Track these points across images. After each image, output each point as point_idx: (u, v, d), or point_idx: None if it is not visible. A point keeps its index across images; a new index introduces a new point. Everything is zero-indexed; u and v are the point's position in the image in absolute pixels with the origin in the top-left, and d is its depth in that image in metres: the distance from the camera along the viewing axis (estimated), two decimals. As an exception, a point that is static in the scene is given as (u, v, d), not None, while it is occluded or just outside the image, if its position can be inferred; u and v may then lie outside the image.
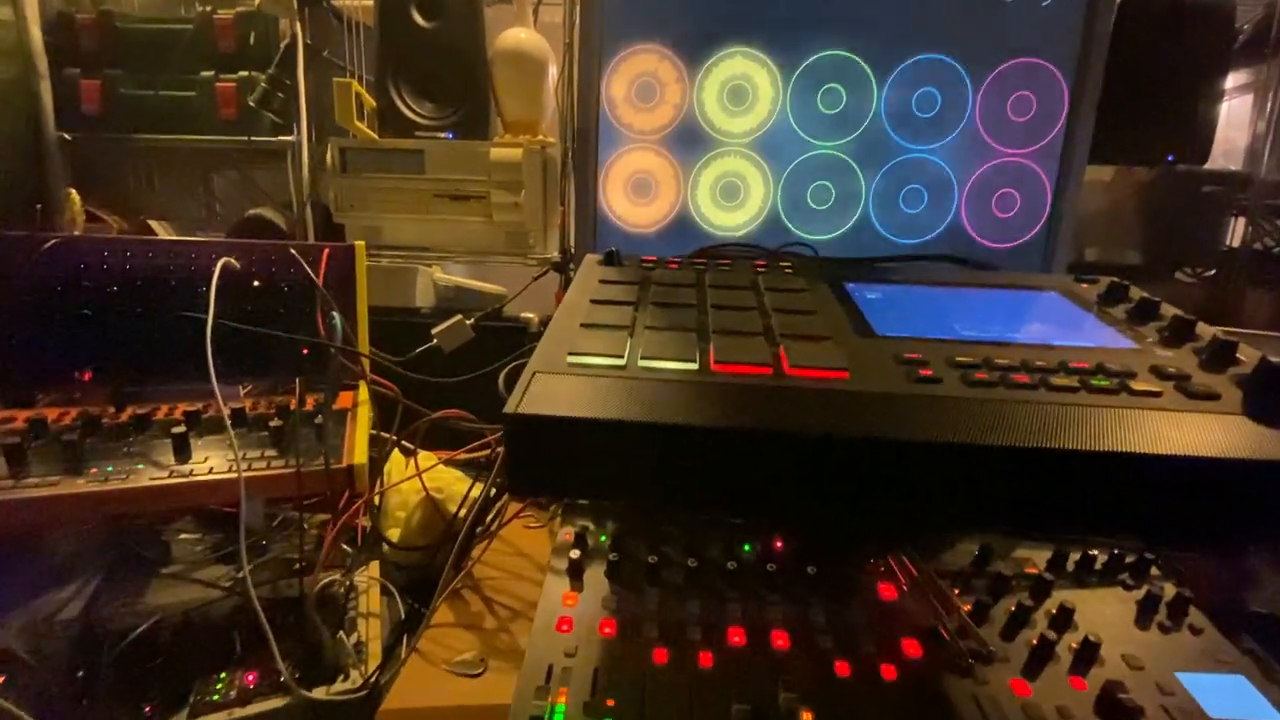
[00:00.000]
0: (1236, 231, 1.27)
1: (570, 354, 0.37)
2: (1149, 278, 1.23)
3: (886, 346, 0.40)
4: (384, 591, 0.68)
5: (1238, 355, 0.40)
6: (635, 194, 0.68)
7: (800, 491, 0.33)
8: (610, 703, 0.39)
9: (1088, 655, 0.43)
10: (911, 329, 0.43)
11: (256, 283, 0.79)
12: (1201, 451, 0.31)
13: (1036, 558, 0.53)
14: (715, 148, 0.67)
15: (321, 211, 1.29)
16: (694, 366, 0.37)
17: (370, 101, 1.19)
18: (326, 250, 0.79)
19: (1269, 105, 1.17)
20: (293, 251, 0.78)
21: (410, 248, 1.29)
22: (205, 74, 1.33)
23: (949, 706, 0.40)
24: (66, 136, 1.37)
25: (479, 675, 0.49)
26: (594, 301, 0.45)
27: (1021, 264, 0.66)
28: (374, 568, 0.72)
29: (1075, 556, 0.52)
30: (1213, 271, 1.25)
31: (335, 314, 0.73)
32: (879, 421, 0.33)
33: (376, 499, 0.81)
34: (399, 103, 1.23)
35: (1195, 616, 0.47)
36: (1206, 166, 1.20)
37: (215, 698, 0.55)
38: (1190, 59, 1.15)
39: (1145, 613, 0.47)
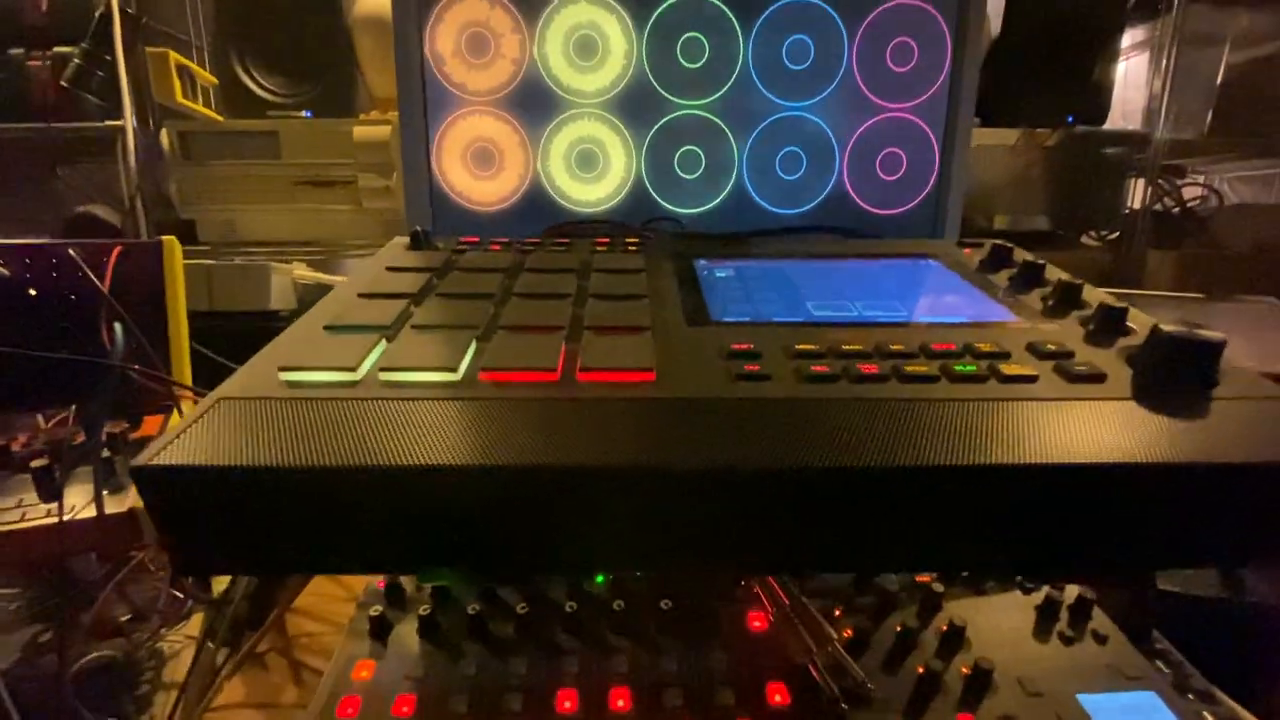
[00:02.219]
0: (1136, 193, 1.26)
1: (284, 369, 0.28)
2: (1057, 242, 1.21)
3: (717, 336, 0.32)
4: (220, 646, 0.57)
5: (1128, 324, 0.33)
6: (477, 165, 0.59)
7: (580, 545, 0.25)
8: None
9: (979, 684, 0.37)
10: (754, 312, 0.35)
11: (32, 291, 0.65)
12: (1077, 458, 0.23)
13: (929, 563, 0.46)
14: (566, 109, 0.58)
15: (166, 208, 1.13)
16: (454, 377, 0.28)
17: (208, 77, 1.04)
18: (117, 249, 0.66)
19: (1164, 62, 1.16)
20: (71, 253, 0.64)
21: (273, 244, 1.15)
22: (14, 51, 1.14)
23: (815, 770, 0.33)
24: None
25: (255, 775, 0.40)
26: (362, 295, 0.35)
27: (912, 232, 0.60)
28: (195, 623, 0.61)
29: (971, 558, 0.46)
30: (1116, 234, 1.24)
31: (118, 325, 0.60)
32: (676, 442, 0.24)
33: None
34: (245, 78, 1.09)
35: (1099, 620, 0.42)
36: (1106, 127, 1.19)
37: (-63, 824, 0.43)
38: (1087, 16, 1.12)
39: (1045, 621, 0.42)
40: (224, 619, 0.49)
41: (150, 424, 0.66)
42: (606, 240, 0.48)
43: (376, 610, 0.40)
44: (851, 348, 0.30)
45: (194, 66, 0.97)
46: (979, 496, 0.24)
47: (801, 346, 0.30)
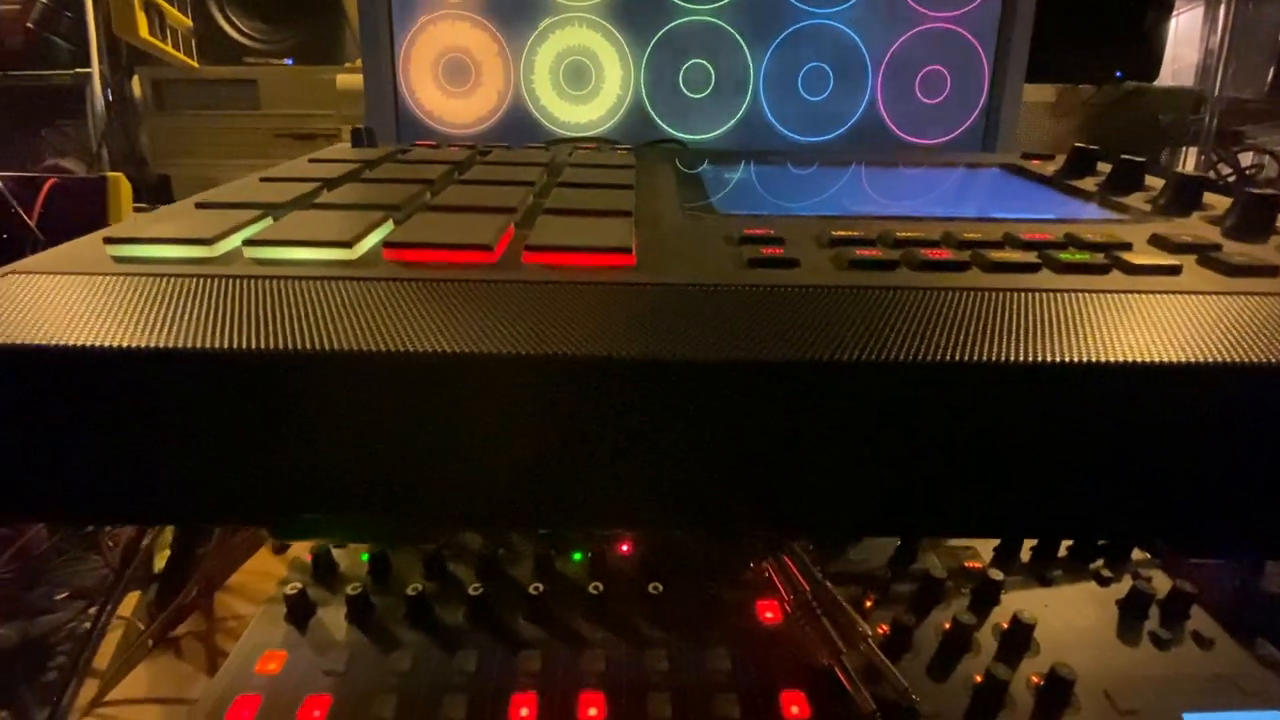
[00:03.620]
0: (1188, 161, 1.16)
1: (111, 240, 0.20)
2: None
3: (722, 225, 0.24)
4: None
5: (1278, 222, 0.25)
6: (450, 80, 0.51)
7: (515, 483, 0.17)
8: None
9: (1057, 697, 0.29)
10: (773, 207, 0.27)
11: (-44, 227, 0.58)
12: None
13: (979, 545, 0.38)
14: (552, 13, 0.50)
15: (138, 162, 1.06)
16: (347, 254, 0.20)
17: (181, 19, 0.97)
18: (50, 182, 0.59)
19: (1221, 16, 1.06)
20: (-3, 182, 0.57)
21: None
22: (-19, -6, 1.07)
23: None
24: None
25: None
26: (265, 179, 0.27)
27: (955, 165, 0.51)
28: (129, 602, 0.53)
29: (1030, 541, 0.38)
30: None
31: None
32: (663, 332, 0.16)
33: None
34: (222, 22, 1.01)
35: (1200, 620, 0.33)
36: (1156, 84, 1.09)
37: None
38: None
39: (1131, 620, 0.33)
40: (117, 594, 0.41)
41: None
42: (592, 146, 0.40)
43: (295, 588, 0.32)
44: (910, 234, 0.22)
45: (164, 4, 0.89)
46: (1115, 414, 0.15)
47: (840, 233, 0.22)
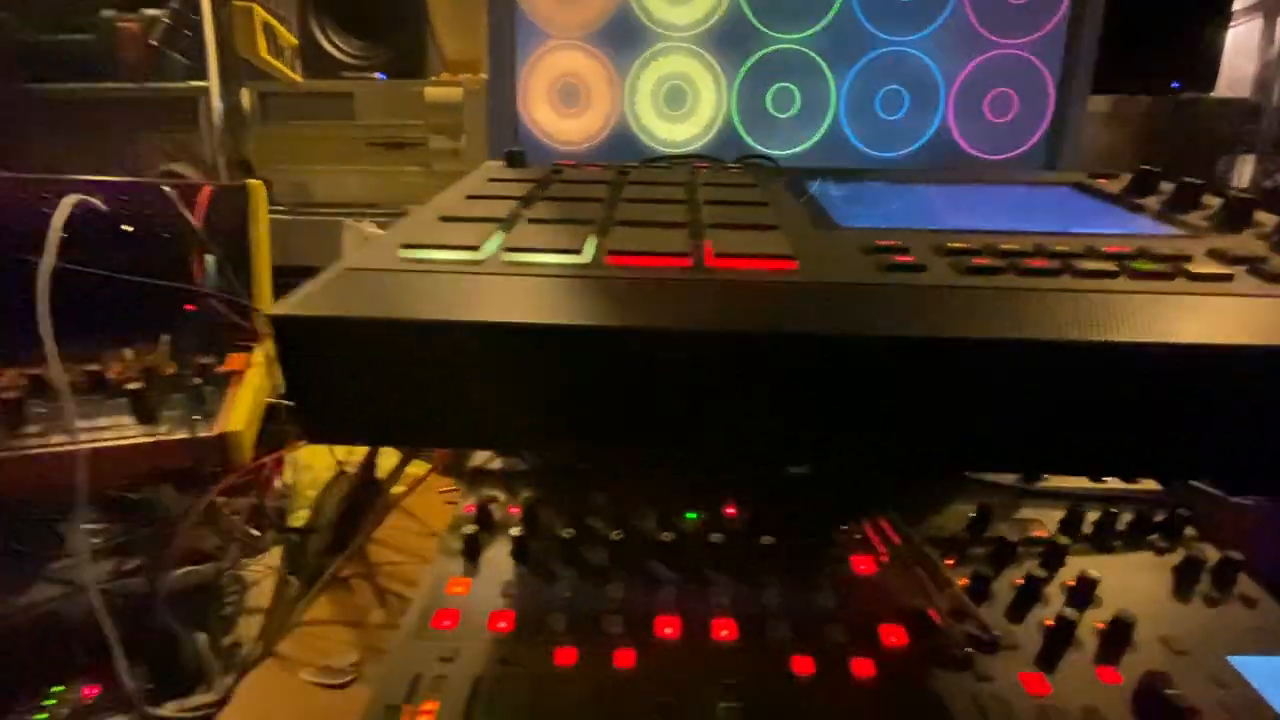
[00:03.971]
0: (1245, 170, 1.17)
1: (405, 245, 0.27)
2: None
3: (852, 237, 0.30)
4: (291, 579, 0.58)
5: (1320, 238, 0.30)
6: (563, 102, 0.57)
7: (730, 417, 0.23)
8: (489, 723, 0.29)
9: (1119, 638, 0.34)
10: (886, 220, 0.33)
11: (128, 227, 0.67)
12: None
13: (1045, 518, 0.43)
14: (656, 42, 0.56)
15: (245, 168, 1.16)
16: (580, 259, 0.26)
17: (289, 38, 1.06)
18: (208, 189, 0.67)
19: (1279, 28, 1.07)
20: (164, 189, 0.66)
21: (345, 205, 1.17)
22: (106, 14, 1.19)
23: (943, 713, 0.30)
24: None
25: (347, 685, 0.39)
26: (470, 197, 0.34)
27: (1021, 178, 0.56)
28: (275, 554, 0.62)
29: (1093, 516, 0.43)
30: (1218, 213, 1.15)
31: (210, 256, 0.61)
32: (840, 317, 0.22)
33: (288, 475, 0.70)
34: (323, 40, 1.11)
35: (1246, 585, 0.38)
36: (1213, 95, 1.10)
37: (41, 716, 0.44)
38: (1197, -26, 1.04)
39: (1184, 582, 0.38)
40: (308, 544, 0.49)
41: (234, 360, 0.67)
42: (705, 165, 0.46)
43: (471, 529, 0.39)
44: (1010, 246, 0.27)
45: (276, 25, 0.99)
46: (1178, 385, 0.21)
47: (953, 245, 0.28)
